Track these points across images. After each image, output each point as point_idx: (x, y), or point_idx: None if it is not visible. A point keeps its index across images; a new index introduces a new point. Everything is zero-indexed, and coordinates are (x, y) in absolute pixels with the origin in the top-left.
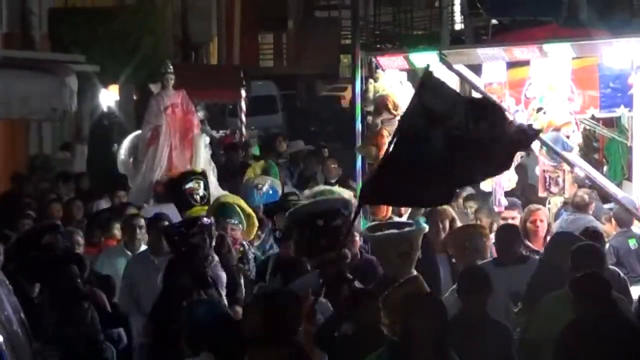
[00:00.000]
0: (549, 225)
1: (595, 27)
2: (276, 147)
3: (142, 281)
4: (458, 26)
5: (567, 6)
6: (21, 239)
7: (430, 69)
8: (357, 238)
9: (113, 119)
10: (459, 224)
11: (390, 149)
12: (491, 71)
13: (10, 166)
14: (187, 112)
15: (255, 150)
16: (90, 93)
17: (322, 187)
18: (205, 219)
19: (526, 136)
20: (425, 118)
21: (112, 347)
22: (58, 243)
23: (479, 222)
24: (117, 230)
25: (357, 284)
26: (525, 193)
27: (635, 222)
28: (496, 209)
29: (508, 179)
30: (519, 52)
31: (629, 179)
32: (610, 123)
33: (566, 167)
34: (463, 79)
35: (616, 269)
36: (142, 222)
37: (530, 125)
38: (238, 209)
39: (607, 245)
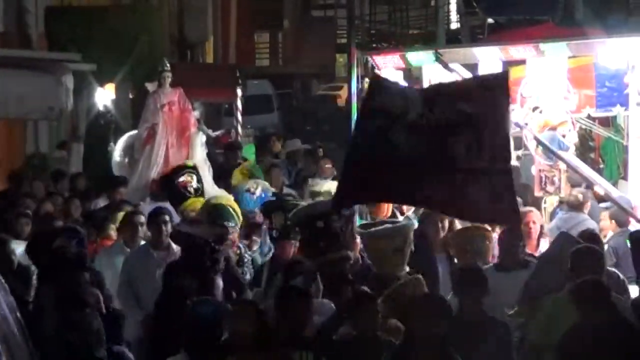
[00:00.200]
0: (541, 227)
1: (591, 26)
2: (270, 147)
3: (142, 275)
4: (454, 25)
5: (563, 5)
6: (34, 239)
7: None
8: (358, 241)
9: (109, 117)
10: (458, 224)
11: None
12: (487, 70)
13: (7, 165)
14: (184, 110)
15: (249, 150)
16: (86, 92)
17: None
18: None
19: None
20: (384, 118)
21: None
22: (70, 247)
23: None
24: (112, 231)
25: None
26: (520, 193)
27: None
28: None
29: None
30: (515, 51)
31: (625, 178)
32: (606, 122)
33: (562, 166)
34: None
35: (615, 270)
36: (143, 219)
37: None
38: (232, 210)
39: (606, 246)
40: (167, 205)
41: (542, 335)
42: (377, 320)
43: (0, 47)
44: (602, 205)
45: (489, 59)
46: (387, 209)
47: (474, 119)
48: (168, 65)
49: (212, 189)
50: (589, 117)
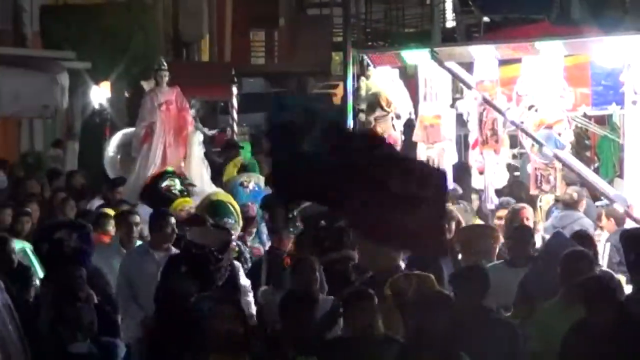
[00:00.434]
0: (534, 223)
1: (587, 24)
2: (263, 145)
3: (141, 274)
4: (450, 24)
5: (559, 4)
6: (39, 230)
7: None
8: None
9: (104, 116)
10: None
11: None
12: (483, 69)
13: None
14: (181, 109)
15: (245, 148)
16: (81, 90)
17: None
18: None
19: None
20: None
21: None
22: (70, 241)
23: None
24: (111, 227)
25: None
26: (515, 191)
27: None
28: (488, 207)
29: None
30: (511, 50)
31: (621, 176)
32: (602, 120)
33: (558, 165)
34: (455, 76)
35: (610, 270)
36: (138, 219)
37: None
38: (232, 207)
39: (608, 245)
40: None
41: (541, 344)
42: (374, 318)
43: None
44: (598, 203)
45: (484, 57)
46: None
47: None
48: (165, 64)
49: (209, 188)
50: (584, 115)
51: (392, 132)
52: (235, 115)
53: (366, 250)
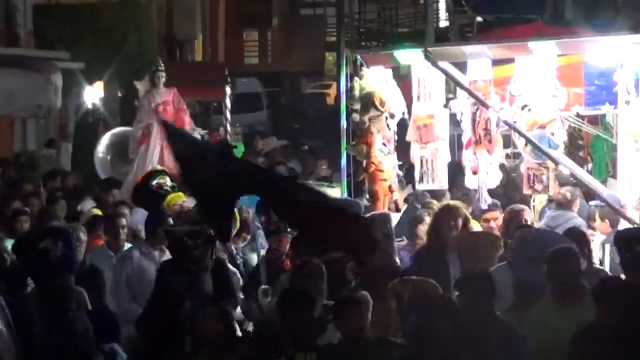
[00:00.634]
0: (532, 224)
1: (581, 25)
2: (254, 146)
3: (140, 275)
4: (443, 24)
5: (552, 4)
6: (20, 241)
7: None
8: None
9: (98, 116)
10: (472, 225)
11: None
12: (476, 69)
13: None
14: (178, 110)
15: (238, 149)
16: (75, 90)
17: None
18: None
19: None
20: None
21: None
22: (56, 250)
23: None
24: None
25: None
26: (509, 192)
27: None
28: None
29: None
30: (505, 50)
31: (614, 176)
32: (595, 121)
33: (551, 165)
34: (448, 76)
35: (603, 268)
36: (125, 222)
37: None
38: None
39: (608, 247)
40: None
41: (535, 344)
42: (365, 324)
43: None
44: (592, 203)
45: (478, 57)
46: (383, 205)
47: None
48: (162, 65)
49: None
50: (578, 115)
51: (386, 132)
52: (228, 116)
53: None
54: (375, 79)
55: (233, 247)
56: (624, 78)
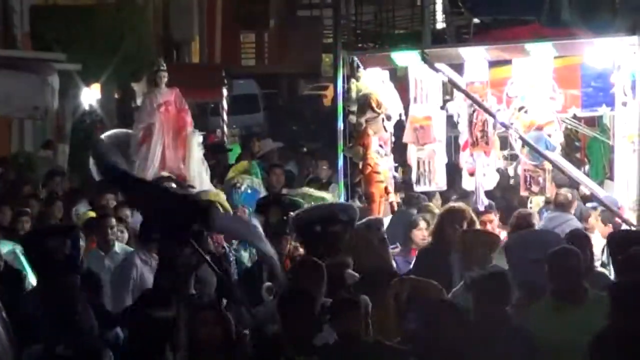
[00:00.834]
0: None
1: (577, 26)
2: (250, 148)
3: (142, 273)
4: (440, 25)
5: (549, 6)
6: (28, 238)
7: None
8: None
9: (95, 117)
10: (478, 226)
11: None
12: (473, 70)
13: None
14: (180, 110)
15: (234, 150)
16: (72, 92)
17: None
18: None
19: None
20: None
21: (110, 352)
22: (64, 248)
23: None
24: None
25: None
26: (505, 194)
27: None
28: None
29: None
30: (501, 51)
31: (611, 178)
32: (592, 122)
33: (547, 166)
34: (445, 77)
35: (604, 270)
36: (113, 222)
37: None
38: (220, 206)
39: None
40: None
41: (540, 346)
42: (360, 326)
43: None
44: (589, 205)
45: (474, 59)
46: (378, 207)
47: None
48: (164, 65)
49: (208, 188)
50: (574, 117)
51: (383, 133)
52: (225, 117)
53: (356, 252)
54: (372, 81)
55: (225, 245)
56: (621, 79)
